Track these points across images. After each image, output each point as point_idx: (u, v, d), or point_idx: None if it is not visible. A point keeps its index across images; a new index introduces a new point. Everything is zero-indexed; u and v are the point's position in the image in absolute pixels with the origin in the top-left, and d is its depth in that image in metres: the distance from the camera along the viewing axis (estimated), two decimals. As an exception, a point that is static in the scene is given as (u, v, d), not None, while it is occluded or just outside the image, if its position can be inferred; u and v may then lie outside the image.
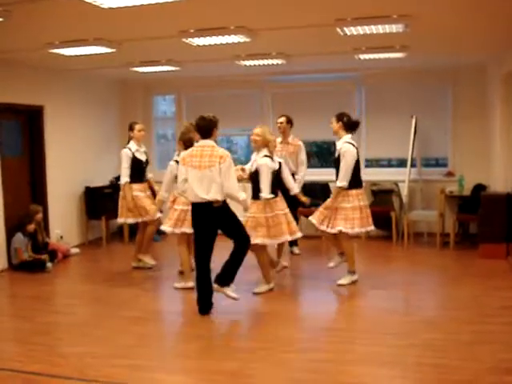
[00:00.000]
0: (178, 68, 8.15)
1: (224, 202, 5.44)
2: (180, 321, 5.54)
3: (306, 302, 6.30)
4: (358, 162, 6.35)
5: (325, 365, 4.32)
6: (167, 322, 5.54)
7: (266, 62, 7.78)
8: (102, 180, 9.36)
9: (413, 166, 8.82)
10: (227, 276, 5.54)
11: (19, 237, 7.45)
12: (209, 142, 5.46)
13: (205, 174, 5.33)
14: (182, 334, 5.22)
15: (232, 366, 4.37)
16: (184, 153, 5.65)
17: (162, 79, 9.70)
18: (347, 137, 6.31)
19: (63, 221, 8.69)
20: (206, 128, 5.45)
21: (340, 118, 6.34)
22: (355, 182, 6.31)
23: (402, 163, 9.47)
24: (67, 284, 7.15)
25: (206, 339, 5.05)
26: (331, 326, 5.26)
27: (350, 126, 6.35)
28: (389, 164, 9.76)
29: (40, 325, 5.41)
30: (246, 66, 8.05)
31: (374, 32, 5.77)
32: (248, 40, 6.07)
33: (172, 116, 10.59)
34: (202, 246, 5.50)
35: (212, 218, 5.43)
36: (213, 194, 5.33)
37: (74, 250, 8.42)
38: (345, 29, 5.64)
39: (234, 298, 5.57)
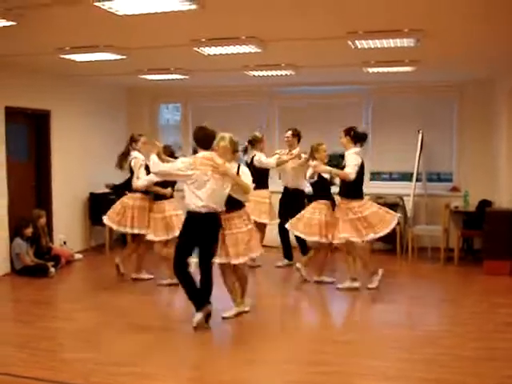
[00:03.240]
0: (186, 76, 8.16)
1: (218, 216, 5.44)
2: (183, 329, 5.49)
3: (308, 314, 6.27)
4: (362, 174, 6.54)
5: (328, 378, 4.29)
6: (170, 330, 5.48)
7: (274, 72, 7.79)
8: (106, 183, 9.31)
9: (418, 180, 8.81)
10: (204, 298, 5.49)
11: (18, 241, 7.44)
12: (206, 154, 5.36)
13: (215, 184, 5.34)
14: (185, 342, 5.18)
15: (234, 375, 4.37)
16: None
17: (168, 87, 9.72)
18: (355, 149, 6.55)
19: (67, 226, 8.68)
20: (207, 140, 5.40)
21: (348, 132, 6.62)
22: (356, 193, 6.55)
23: (403, 177, 9.49)
24: (70, 290, 7.14)
25: (210, 348, 5.06)
26: (335, 338, 5.22)
27: (358, 138, 6.61)
28: (390, 178, 9.75)
29: (43, 330, 5.40)
30: (254, 76, 8.06)
31: (386, 46, 5.78)
32: (259, 50, 6.08)
33: (176, 124, 10.60)
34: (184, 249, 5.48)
35: (207, 229, 5.43)
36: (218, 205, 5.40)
37: (77, 256, 8.40)
38: (356, 42, 5.65)
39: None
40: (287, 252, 8.01)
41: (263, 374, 4.42)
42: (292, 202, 7.62)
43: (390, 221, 6.53)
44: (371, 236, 6.52)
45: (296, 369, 4.50)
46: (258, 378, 4.33)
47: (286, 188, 7.88)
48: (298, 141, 7.77)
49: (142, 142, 7.10)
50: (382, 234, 6.54)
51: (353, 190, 6.56)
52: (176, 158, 6.95)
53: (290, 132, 7.79)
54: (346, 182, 6.49)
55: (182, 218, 5.80)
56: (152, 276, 7.29)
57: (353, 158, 6.48)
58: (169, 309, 6.48)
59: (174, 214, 6.85)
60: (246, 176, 5.54)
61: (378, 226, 6.47)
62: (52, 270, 7.40)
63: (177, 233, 6.10)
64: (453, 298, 6.63)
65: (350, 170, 6.41)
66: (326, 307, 6.54)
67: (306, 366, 4.56)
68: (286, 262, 7.99)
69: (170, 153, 6.51)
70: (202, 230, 5.36)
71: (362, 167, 6.56)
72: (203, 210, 5.27)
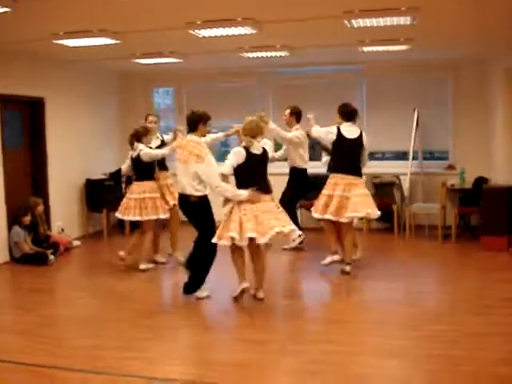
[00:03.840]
0: (180, 60, 8.11)
1: (201, 198, 5.53)
2: (187, 313, 5.51)
3: (311, 295, 6.29)
4: (341, 148, 6.53)
5: (335, 356, 4.31)
6: (174, 315, 5.50)
7: (269, 54, 7.75)
8: (101, 172, 9.29)
9: (414, 158, 8.82)
10: (193, 284, 5.74)
11: (17, 229, 7.40)
12: (195, 138, 5.56)
13: (184, 167, 5.53)
14: (190, 327, 5.19)
15: (242, 357, 4.38)
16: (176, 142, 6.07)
17: (162, 71, 9.65)
18: (345, 124, 6.56)
19: (64, 213, 8.65)
20: (192, 122, 5.59)
21: (338, 109, 6.64)
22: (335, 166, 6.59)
23: (397, 156, 9.49)
24: (70, 277, 7.14)
25: (216, 331, 5.07)
26: (339, 317, 5.24)
27: (347, 115, 6.58)
28: (383, 157, 9.75)
29: (46, 317, 5.39)
30: (248, 57, 8.01)
31: (382, 24, 5.75)
32: (254, 32, 6.04)
33: (167, 108, 10.54)
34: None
35: (188, 211, 5.68)
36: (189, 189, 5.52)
37: (76, 243, 8.38)
38: (352, 21, 5.62)
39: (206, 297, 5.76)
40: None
41: (270, 354, 4.43)
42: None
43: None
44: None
45: (303, 349, 4.52)
46: (265, 359, 4.34)
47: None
48: (298, 120, 7.58)
49: (149, 122, 7.34)
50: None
51: (331, 163, 6.65)
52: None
53: (288, 110, 7.62)
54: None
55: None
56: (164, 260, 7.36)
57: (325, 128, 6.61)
58: (171, 294, 6.49)
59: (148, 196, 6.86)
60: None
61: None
62: (51, 257, 7.38)
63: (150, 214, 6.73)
64: (452, 275, 6.70)
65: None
66: (327, 287, 6.56)
67: (312, 345, 4.58)
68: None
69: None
70: (185, 213, 5.78)
71: (341, 140, 6.50)
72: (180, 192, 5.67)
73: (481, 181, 8.26)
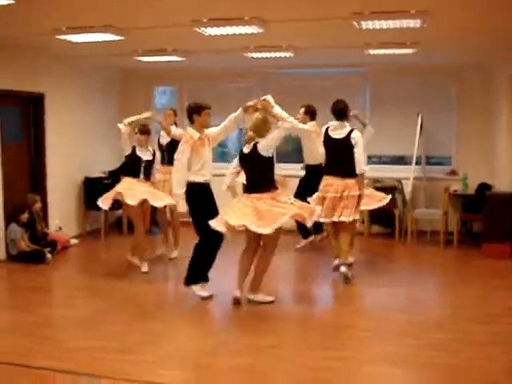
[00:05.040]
0: (183, 58, 8.02)
1: (193, 188, 5.57)
2: (187, 316, 5.44)
3: (313, 300, 6.22)
4: (330, 148, 6.44)
5: (338, 363, 4.25)
6: (174, 317, 5.41)
7: (274, 54, 7.67)
8: (101, 170, 9.20)
9: (416, 163, 8.76)
10: (191, 274, 5.73)
11: (14, 227, 7.30)
12: (189, 130, 5.70)
13: None
14: (191, 330, 5.11)
15: (245, 362, 4.30)
16: None
17: (163, 70, 9.56)
18: (334, 123, 6.40)
19: (61, 211, 8.53)
20: (188, 115, 5.72)
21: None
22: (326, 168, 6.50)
23: (401, 160, 9.41)
24: (68, 276, 7.02)
25: (218, 335, 4.97)
26: (342, 324, 5.17)
27: (336, 113, 6.39)
28: (379, 161, 9.65)
29: (43, 318, 5.30)
30: (252, 58, 7.93)
31: (391, 27, 5.68)
32: (261, 31, 5.96)
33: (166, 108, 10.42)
34: None
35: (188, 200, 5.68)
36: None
37: (73, 241, 8.28)
38: (362, 22, 5.55)
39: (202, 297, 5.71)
40: (304, 230, 7.69)
41: (273, 359, 4.35)
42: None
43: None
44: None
45: (305, 355, 4.45)
46: (267, 364, 4.27)
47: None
48: (312, 118, 7.44)
49: (168, 115, 7.46)
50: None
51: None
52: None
53: (302, 109, 7.46)
54: None
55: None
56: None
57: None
58: (171, 294, 6.41)
59: None
60: None
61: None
62: (48, 255, 7.28)
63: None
64: (455, 282, 6.61)
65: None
66: (328, 292, 6.49)
67: (314, 351, 4.50)
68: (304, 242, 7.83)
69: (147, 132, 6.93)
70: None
71: (328, 141, 6.40)
72: None
73: (484, 187, 8.19)
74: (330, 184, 6.28)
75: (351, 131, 6.27)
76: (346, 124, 6.34)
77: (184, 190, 5.55)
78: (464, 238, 8.46)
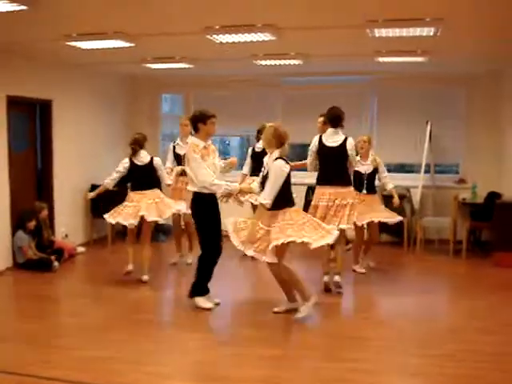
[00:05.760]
0: (191, 66, 7.98)
1: (198, 198, 5.51)
2: (198, 325, 5.36)
3: (326, 310, 6.14)
4: (324, 156, 6.32)
5: (357, 375, 4.19)
6: (184, 327, 5.34)
7: (283, 62, 7.63)
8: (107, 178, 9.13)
9: (425, 171, 8.72)
10: (195, 287, 5.70)
11: (21, 235, 7.24)
12: (194, 139, 5.62)
13: None
14: (202, 340, 5.02)
15: (259, 373, 4.25)
16: None
17: (171, 77, 9.55)
18: (329, 131, 6.28)
19: (68, 219, 8.48)
20: (192, 124, 5.69)
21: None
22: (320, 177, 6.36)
23: (409, 168, 9.36)
24: (75, 284, 6.98)
25: (231, 346, 4.89)
26: (357, 334, 5.11)
27: (332, 120, 6.29)
28: (387, 169, 9.56)
29: (53, 327, 5.27)
30: (261, 65, 7.90)
31: (404, 35, 5.64)
32: (273, 38, 5.92)
33: (168, 115, 10.46)
34: None
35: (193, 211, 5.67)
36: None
37: (80, 249, 8.23)
38: (375, 30, 5.51)
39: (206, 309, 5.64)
40: None
41: (289, 371, 4.30)
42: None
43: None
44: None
45: (322, 366, 4.40)
46: (283, 376, 4.21)
47: None
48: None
49: (185, 124, 7.23)
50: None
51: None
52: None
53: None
54: None
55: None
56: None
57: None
58: (179, 303, 6.31)
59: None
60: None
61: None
62: (56, 263, 7.22)
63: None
64: (465, 292, 6.55)
65: None
66: (339, 301, 6.41)
67: (329, 363, 4.44)
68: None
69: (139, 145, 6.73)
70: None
71: (322, 149, 6.25)
72: None
73: (493, 196, 8.14)
74: (323, 193, 6.16)
75: (346, 139, 6.20)
76: (340, 131, 6.23)
77: (224, 182, 5.51)
78: (472, 246, 8.42)
